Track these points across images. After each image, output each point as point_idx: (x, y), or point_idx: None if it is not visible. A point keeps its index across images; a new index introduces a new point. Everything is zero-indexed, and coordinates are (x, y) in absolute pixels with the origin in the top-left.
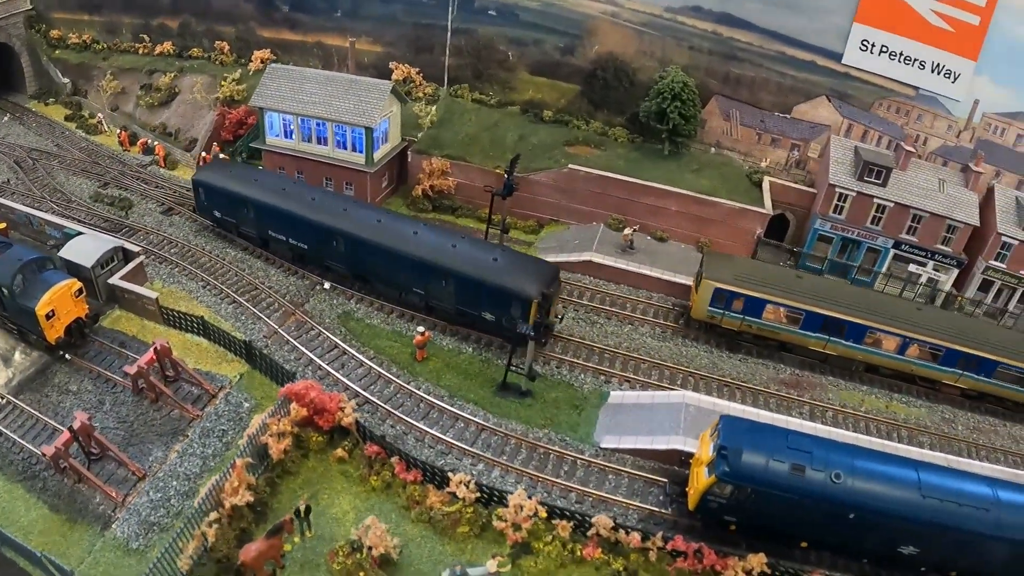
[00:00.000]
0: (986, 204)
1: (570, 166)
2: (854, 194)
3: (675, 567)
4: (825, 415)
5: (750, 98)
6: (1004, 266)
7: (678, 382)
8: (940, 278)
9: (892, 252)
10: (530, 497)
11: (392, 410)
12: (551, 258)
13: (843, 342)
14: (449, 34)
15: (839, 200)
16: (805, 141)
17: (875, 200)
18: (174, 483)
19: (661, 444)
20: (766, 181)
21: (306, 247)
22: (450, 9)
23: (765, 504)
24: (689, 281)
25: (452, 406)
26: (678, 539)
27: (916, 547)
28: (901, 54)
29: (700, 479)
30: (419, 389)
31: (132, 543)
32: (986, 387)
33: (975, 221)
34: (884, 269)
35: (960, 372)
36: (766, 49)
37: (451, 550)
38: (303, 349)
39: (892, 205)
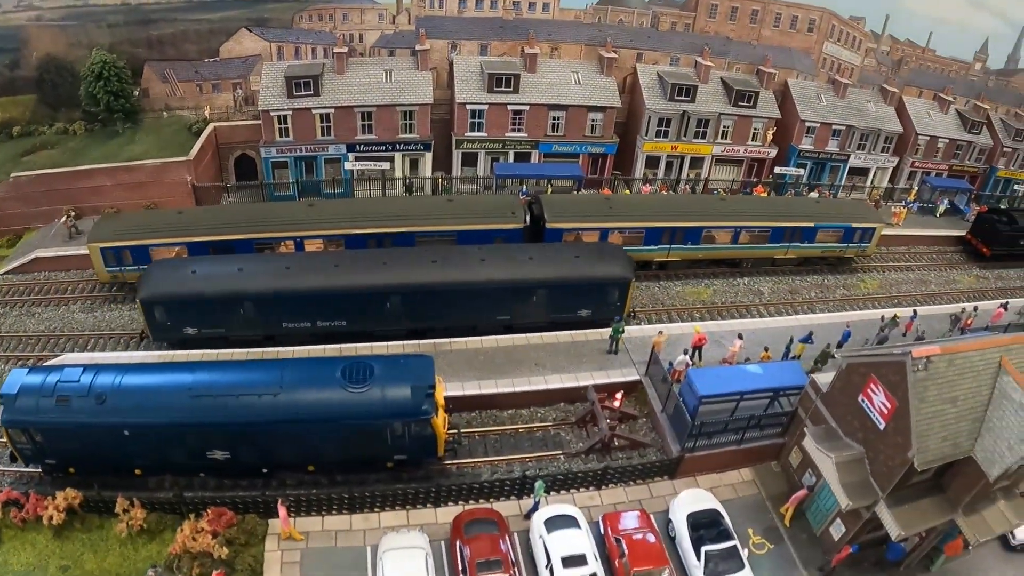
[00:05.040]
0: (450, 78)
1: (12, 175)
2: (291, 112)
3: (20, 517)
4: None
5: (178, 53)
6: (485, 134)
7: (98, 347)
8: (384, 166)
9: (351, 156)
10: None
11: None
12: (15, 264)
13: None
14: None
15: (280, 123)
16: (244, 77)
17: (314, 111)
18: None
19: None
20: (209, 127)
21: (344, 323)
22: None
23: (56, 441)
24: None
25: None
26: (7, 490)
27: (224, 450)
28: None
29: None
30: None
31: None
32: None
33: (428, 100)
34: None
35: None
36: (173, 2)
37: None
38: None
39: (333, 110)
